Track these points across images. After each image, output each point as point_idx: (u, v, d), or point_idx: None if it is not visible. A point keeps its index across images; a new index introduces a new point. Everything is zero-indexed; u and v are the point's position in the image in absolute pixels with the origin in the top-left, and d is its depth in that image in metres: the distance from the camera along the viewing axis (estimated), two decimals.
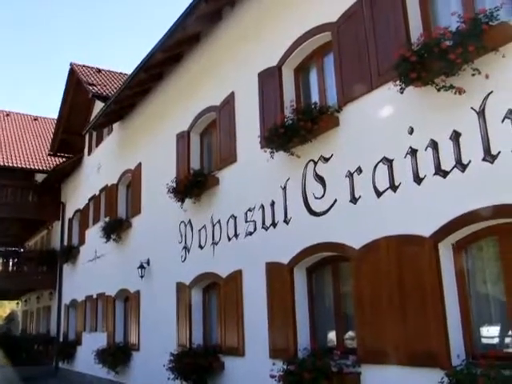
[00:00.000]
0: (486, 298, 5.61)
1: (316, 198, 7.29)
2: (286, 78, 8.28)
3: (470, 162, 5.40)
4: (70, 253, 18.44)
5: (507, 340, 5.34)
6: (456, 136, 5.55)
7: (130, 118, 14.36)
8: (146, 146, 13.00)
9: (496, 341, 5.50)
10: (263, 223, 8.31)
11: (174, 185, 10.42)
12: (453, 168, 5.55)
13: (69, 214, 19.87)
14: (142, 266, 12.14)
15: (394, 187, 6.17)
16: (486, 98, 5.30)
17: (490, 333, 5.58)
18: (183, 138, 11.07)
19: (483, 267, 5.67)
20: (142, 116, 13.52)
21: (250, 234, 8.60)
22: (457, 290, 5.60)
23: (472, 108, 5.41)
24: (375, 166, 6.42)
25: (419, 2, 6.38)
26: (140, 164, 13.22)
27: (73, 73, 17.46)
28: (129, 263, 12.94)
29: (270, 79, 8.48)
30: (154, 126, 12.68)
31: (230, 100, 9.51)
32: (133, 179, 13.74)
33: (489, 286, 5.61)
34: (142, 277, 12.11)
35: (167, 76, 12.12)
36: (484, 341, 5.55)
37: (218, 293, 9.53)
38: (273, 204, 8.12)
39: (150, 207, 12.46)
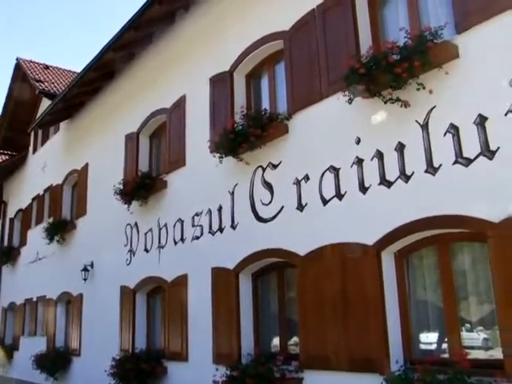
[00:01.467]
0: (425, 306, 5.78)
1: (263, 204, 7.34)
2: (237, 83, 8.32)
3: (413, 173, 5.57)
4: (9, 254, 17.78)
5: (443, 346, 5.52)
6: (401, 147, 5.71)
7: (78, 116, 14.04)
8: (94, 147, 12.74)
9: (433, 346, 5.69)
10: (210, 228, 8.29)
11: (121, 186, 10.26)
12: (397, 179, 5.71)
13: (10, 213, 19.18)
14: (85, 269, 11.87)
15: (339, 196, 6.29)
16: (429, 112, 5.50)
17: (428, 339, 5.76)
18: (132, 140, 10.93)
19: (423, 275, 5.85)
20: (91, 115, 13.24)
21: (197, 238, 8.55)
22: (397, 297, 5.75)
23: (416, 121, 5.60)
24: (322, 174, 6.52)
25: (369, 16, 6.55)
26: (87, 164, 12.94)
27: (19, 68, 16.90)
28: (72, 266, 12.61)
29: (221, 84, 8.49)
30: (102, 126, 12.45)
31: (180, 103, 9.46)
32: (79, 180, 13.43)
33: (428, 293, 5.80)
34: (85, 280, 11.83)
35: (118, 75, 11.93)
36: (422, 346, 5.72)
37: (163, 297, 9.43)
38: (220, 209, 8.12)
39: (96, 209, 12.21)
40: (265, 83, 8.21)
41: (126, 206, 10.23)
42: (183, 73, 9.59)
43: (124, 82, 11.68)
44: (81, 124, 13.86)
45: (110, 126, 12.06)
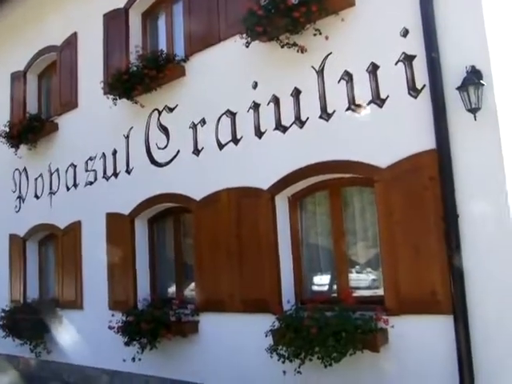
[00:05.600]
0: (317, 249, 6.00)
1: (159, 148, 7.18)
2: (132, 21, 7.90)
3: (307, 118, 5.66)
4: None
5: (332, 286, 5.80)
6: (297, 93, 5.76)
7: None
8: None
9: (324, 287, 5.96)
10: (104, 173, 8.01)
11: (7, 129, 9.57)
12: (292, 124, 5.77)
13: None
14: None
15: (236, 140, 6.27)
16: (325, 59, 5.56)
17: (319, 280, 6.02)
18: (19, 79, 10.14)
19: (315, 219, 6.05)
20: None
21: (91, 183, 8.25)
22: (290, 240, 5.92)
23: (312, 67, 5.65)
24: (219, 119, 6.45)
25: None
26: None
27: None
28: None
29: (115, 22, 8.02)
30: None
31: (72, 41, 8.86)
32: None
33: (319, 237, 6.00)
34: None
35: (1, 5, 10.85)
36: (313, 287, 5.99)
37: (56, 245, 9.08)
38: (115, 153, 7.84)
39: None
40: (162, 23, 7.84)
41: (13, 149, 9.60)
42: (74, 8, 8.88)
43: (7, 13, 10.62)
44: None
45: None
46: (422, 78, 4.84)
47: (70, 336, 8.47)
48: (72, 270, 8.43)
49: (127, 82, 7.06)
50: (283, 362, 5.15)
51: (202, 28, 6.77)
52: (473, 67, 4.52)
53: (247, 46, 5.89)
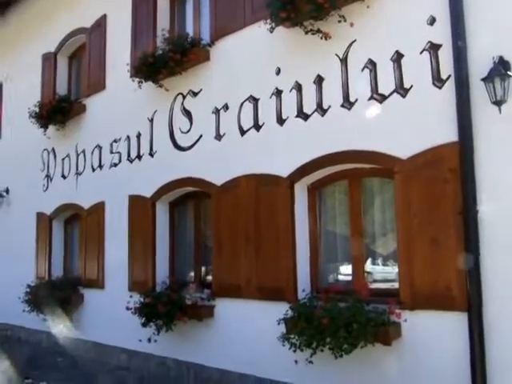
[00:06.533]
0: (334, 238, 5.95)
1: (182, 132, 7.20)
2: (160, 4, 7.89)
3: (329, 107, 5.58)
4: None
5: (348, 277, 5.74)
6: (319, 80, 5.68)
7: None
8: (8, 66, 11.87)
9: (339, 277, 5.91)
10: (128, 155, 8.09)
11: (37, 109, 9.72)
12: (313, 112, 5.70)
13: None
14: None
15: (257, 126, 6.24)
16: (349, 46, 5.46)
17: (335, 270, 5.98)
18: (49, 60, 10.29)
19: (333, 209, 5.99)
20: (4, 31, 12.23)
21: (115, 165, 8.34)
22: (308, 229, 5.87)
23: (336, 54, 5.55)
24: (241, 104, 6.42)
25: None
26: (0, 85, 12.13)
27: None
28: None
29: (144, 4, 8.04)
30: (17, 44, 11.52)
31: (101, 23, 8.92)
32: None
33: (337, 226, 5.94)
34: None
35: None
36: (329, 277, 5.94)
37: (80, 224, 9.23)
38: (139, 136, 7.90)
39: (11, 132, 11.56)
40: (189, 7, 7.82)
41: (42, 130, 9.77)
42: None
43: None
44: None
45: (25, 44, 11.18)
46: (447, 68, 4.71)
47: (91, 314, 8.65)
48: (95, 249, 8.57)
49: (152, 66, 7.08)
50: (294, 351, 5.13)
51: (228, 13, 6.73)
52: (501, 58, 4.37)
53: (271, 32, 5.82)
